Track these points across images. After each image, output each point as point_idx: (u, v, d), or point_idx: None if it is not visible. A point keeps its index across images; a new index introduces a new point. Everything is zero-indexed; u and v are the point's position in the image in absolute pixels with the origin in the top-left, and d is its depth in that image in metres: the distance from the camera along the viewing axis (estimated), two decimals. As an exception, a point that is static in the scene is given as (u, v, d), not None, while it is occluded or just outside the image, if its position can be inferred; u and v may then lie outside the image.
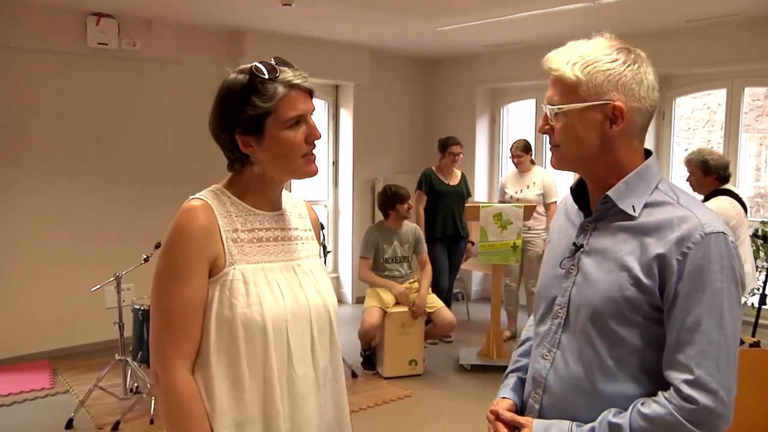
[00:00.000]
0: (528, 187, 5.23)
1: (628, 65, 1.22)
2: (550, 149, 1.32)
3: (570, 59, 1.23)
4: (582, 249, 1.30)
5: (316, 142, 1.38)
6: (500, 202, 5.29)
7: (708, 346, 1.13)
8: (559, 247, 1.37)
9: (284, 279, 1.39)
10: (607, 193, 1.25)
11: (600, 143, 1.24)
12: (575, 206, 1.37)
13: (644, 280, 1.18)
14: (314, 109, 1.39)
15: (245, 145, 1.35)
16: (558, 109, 1.24)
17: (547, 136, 1.31)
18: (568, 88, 1.23)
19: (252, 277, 1.33)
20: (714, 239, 1.15)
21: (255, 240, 1.38)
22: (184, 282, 1.28)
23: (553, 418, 1.29)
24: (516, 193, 5.23)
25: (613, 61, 1.21)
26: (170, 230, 1.32)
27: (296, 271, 1.42)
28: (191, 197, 1.37)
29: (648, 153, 1.30)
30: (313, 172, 1.39)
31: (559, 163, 1.32)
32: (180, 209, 1.34)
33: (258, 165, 1.37)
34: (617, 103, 1.21)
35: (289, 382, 1.36)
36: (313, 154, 1.38)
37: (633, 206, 1.24)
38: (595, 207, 1.30)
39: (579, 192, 1.37)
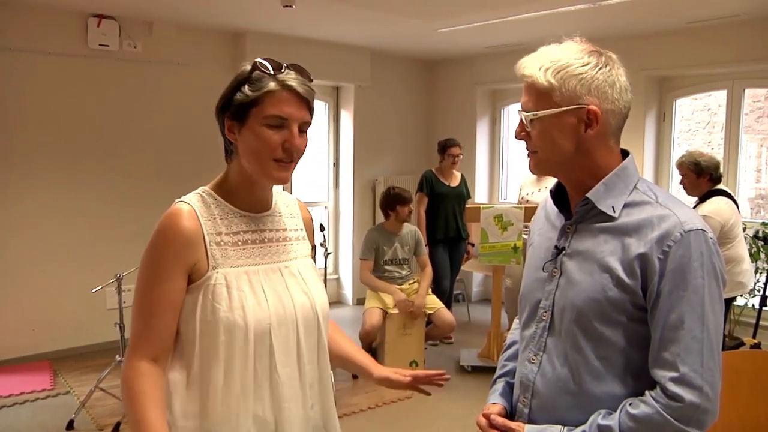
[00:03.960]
0: (539, 190, 5.21)
1: (600, 68, 1.23)
2: (528, 155, 1.32)
3: (542, 65, 1.24)
4: (564, 251, 1.30)
5: (296, 154, 1.33)
6: (518, 202, 5.28)
7: (691, 343, 1.14)
8: (541, 250, 1.38)
9: (269, 282, 1.37)
10: (587, 195, 1.26)
11: (576, 147, 1.25)
12: (555, 209, 1.38)
13: (627, 280, 1.19)
14: (308, 122, 1.36)
15: (230, 130, 1.36)
16: (533, 115, 1.26)
17: (524, 142, 1.31)
18: (541, 94, 1.24)
19: (235, 280, 1.33)
20: (693, 236, 1.16)
21: (240, 243, 1.37)
22: (156, 284, 1.30)
23: (542, 421, 1.29)
24: (528, 194, 5.21)
25: (584, 65, 1.22)
26: (154, 232, 1.33)
27: (283, 273, 1.41)
28: (177, 200, 1.37)
29: (625, 153, 1.31)
30: (281, 180, 1.35)
31: (537, 169, 1.33)
32: (165, 212, 1.34)
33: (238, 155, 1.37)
34: (591, 106, 1.22)
35: (272, 386, 1.35)
36: (286, 162, 1.34)
37: (612, 207, 1.25)
38: (575, 209, 1.30)
39: (558, 195, 1.38)
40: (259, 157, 1.33)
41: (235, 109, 1.33)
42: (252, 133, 1.32)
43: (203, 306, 1.31)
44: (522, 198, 5.23)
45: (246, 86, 1.32)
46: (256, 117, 1.31)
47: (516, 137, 1.32)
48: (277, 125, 1.31)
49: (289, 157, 1.33)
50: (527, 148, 1.31)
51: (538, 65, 1.24)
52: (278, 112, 1.31)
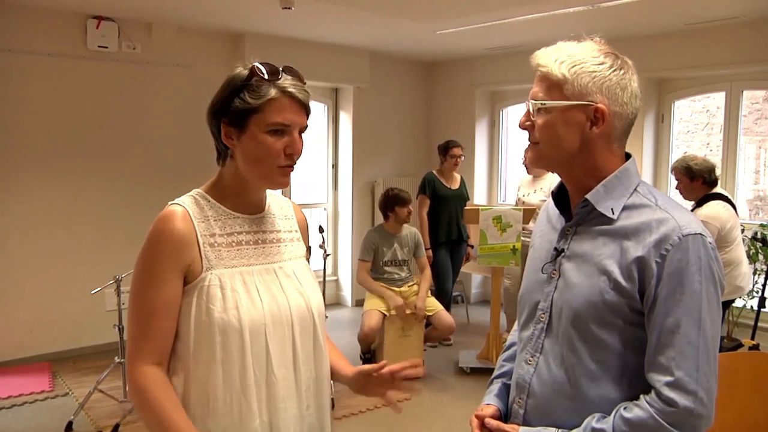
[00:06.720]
0: (535, 191, 5.23)
1: (614, 70, 1.23)
2: (529, 146, 1.32)
3: (558, 58, 1.24)
4: (563, 254, 1.30)
5: (296, 157, 1.36)
6: (515, 203, 5.29)
7: (687, 348, 1.14)
8: (541, 252, 1.38)
9: (263, 282, 1.38)
10: (586, 196, 1.26)
11: (579, 144, 1.25)
12: (557, 211, 1.38)
13: (624, 283, 1.19)
14: (305, 126, 1.37)
15: (227, 136, 1.35)
16: (541, 104, 1.25)
17: (527, 133, 1.31)
18: (553, 85, 1.24)
19: (229, 281, 1.33)
20: (692, 241, 1.16)
21: (233, 244, 1.37)
22: (153, 287, 1.30)
23: (537, 423, 1.29)
24: (524, 195, 5.23)
25: (599, 64, 1.23)
26: (147, 235, 1.33)
27: (277, 274, 1.41)
28: (170, 203, 1.37)
29: (627, 156, 1.31)
30: (282, 185, 1.37)
31: (536, 161, 1.32)
32: (158, 214, 1.34)
33: (236, 160, 1.36)
34: (600, 105, 1.22)
35: (268, 386, 1.35)
36: (289, 167, 1.36)
37: (612, 209, 1.24)
38: (575, 211, 1.30)
39: (560, 197, 1.38)
40: (261, 164, 1.33)
41: (234, 115, 1.32)
42: (253, 141, 1.32)
43: (198, 307, 1.31)
44: (518, 199, 5.26)
45: (246, 93, 1.31)
46: (257, 124, 1.31)
47: (520, 126, 1.32)
48: (278, 131, 1.32)
49: (291, 161, 1.35)
50: (529, 139, 1.31)
51: (554, 57, 1.24)
52: (281, 119, 1.31)
